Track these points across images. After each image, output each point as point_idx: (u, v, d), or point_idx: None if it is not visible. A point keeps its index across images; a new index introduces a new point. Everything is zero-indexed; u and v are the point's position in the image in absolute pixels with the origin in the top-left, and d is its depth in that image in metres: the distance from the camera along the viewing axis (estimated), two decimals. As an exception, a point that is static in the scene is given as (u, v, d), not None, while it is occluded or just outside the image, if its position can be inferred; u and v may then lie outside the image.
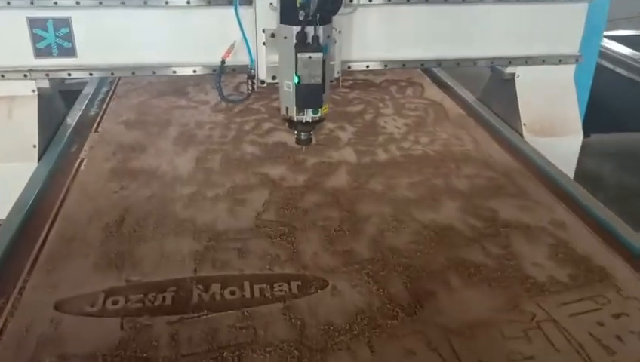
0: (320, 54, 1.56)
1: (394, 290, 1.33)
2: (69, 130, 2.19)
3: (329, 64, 1.61)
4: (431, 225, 1.58)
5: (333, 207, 1.67)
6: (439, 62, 2.04)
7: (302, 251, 1.47)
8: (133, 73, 1.98)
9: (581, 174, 2.30)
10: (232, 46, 1.92)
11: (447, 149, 2.07)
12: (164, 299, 1.30)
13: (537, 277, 1.37)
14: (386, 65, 2.04)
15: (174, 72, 2.02)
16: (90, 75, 2.02)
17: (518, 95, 2.16)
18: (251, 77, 1.86)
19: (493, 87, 2.41)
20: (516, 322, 1.23)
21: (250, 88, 1.88)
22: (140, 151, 2.02)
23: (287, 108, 1.68)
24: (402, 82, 2.77)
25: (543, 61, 2.10)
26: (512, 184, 1.82)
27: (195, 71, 2.04)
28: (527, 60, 2.10)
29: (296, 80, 1.58)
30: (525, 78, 2.17)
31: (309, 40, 1.56)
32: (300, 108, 1.65)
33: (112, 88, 2.66)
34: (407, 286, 1.35)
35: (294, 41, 1.57)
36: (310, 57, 1.55)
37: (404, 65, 2.03)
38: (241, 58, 1.94)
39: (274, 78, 1.79)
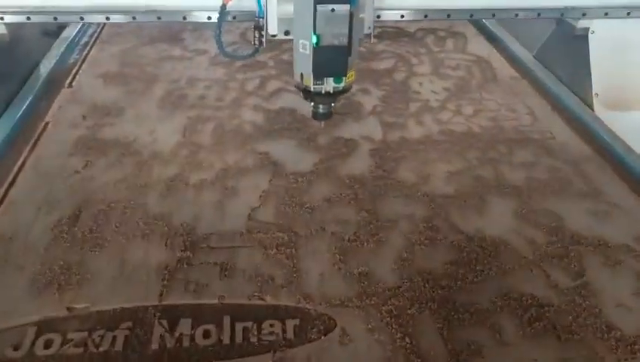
0: (346, 6, 1.14)
1: (425, 341, 0.97)
2: (39, 84, 1.81)
3: (358, 18, 1.18)
4: (476, 238, 1.20)
5: (348, 205, 1.30)
6: (493, 13, 1.57)
7: (304, 271, 1.11)
8: (107, 19, 1.57)
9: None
10: None
11: (496, 125, 1.65)
12: (113, 340, 0.96)
13: (624, 329, 1.00)
14: (426, 16, 1.59)
15: (159, 17, 1.61)
16: (55, 19, 1.61)
17: (591, 57, 1.69)
18: (259, 28, 1.43)
19: (555, 44, 1.94)
20: (599, 406, 0.87)
21: (257, 42, 1.45)
22: (115, 115, 1.64)
23: (301, 75, 1.27)
24: (441, 31, 2.31)
25: (628, 13, 1.62)
26: (581, 178, 1.41)
27: (184, 17, 1.62)
28: (608, 12, 1.61)
29: (314, 40, 1.17)
30: (602, 35, 1.69)
31: None
32: (319, 77, 1.24)
33: (98, 30, 2.26)
34: (444, 334, 0.98)
35: None
36: (333, 10, 1.14)
37: (448, 15, 1.58)
38: (246, 3, 1.51)
39: (287, 33, 1.37)
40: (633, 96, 1.70)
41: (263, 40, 1.37)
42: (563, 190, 1.36)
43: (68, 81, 1.85)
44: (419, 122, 1.65)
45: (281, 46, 2.10)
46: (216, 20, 1.45)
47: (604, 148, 1.52)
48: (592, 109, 1.69)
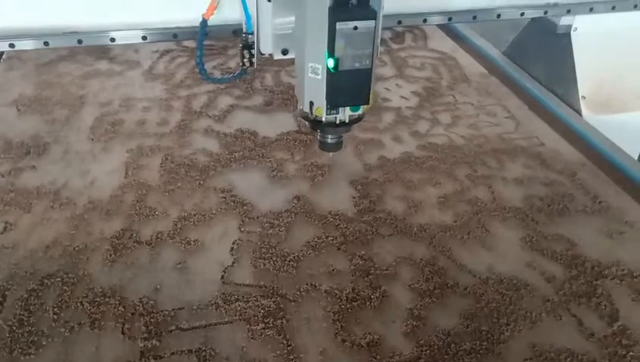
0: (371, 23, 0.91)
1: None
2: None
3: (378, 32, 0.96)
4: (491, 280, 1.04)
5: (337, 251, 1.11)
6: (474, 15, 1.39)
7: (301, 349, 0.91)
8: (11, 46, 1.23)
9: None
10: None
11: (479, 133, 1.50)
12: None
13: (678, 383, 0.87)
14: (399, 22, 1.40)
15: (80, 41, 1.27)
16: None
17: (575, 57, 1.56)
18: (247, 46, 1.15)
19: (529, 42, 1.78)
20: None
21: (247, 63, 1.16)
22: (37, 155, 1.36)
23: (311, 104, 1.03)
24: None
25: (613, 7, 1.50)
26: (583, 191, 1.29)
27: (112, 39, 1.29)
28: (593, 7, 1.48)
29: (331, 64, 0.94)
30: (586, 32, 1.57)
31: None
32: (336, 106, 1.02)
33: (3, 43, 1.91)
34: (484, 418, 0.82)
35: (329, 0, 0.91)
36: (356, 28, 0.91)
37: (425, 20, 1.38)
38: (228, 15, 1.24)
39: (285, 52, 1.12)
40: (623, 97, 1.58)
41: (254, 60, 1.12)
42: (568, 208, 1.23)
43: (-29, 112, 1.53)
44: (395, 137, 1.47)
45: (227, 52, 1.86)
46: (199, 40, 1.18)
47: (591, 149, 1.40)
48: (579, 113, 1.56)
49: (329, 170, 1.33)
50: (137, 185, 1.26)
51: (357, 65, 0.94)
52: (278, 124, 1.49)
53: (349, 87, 0.97)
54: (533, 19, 1.65)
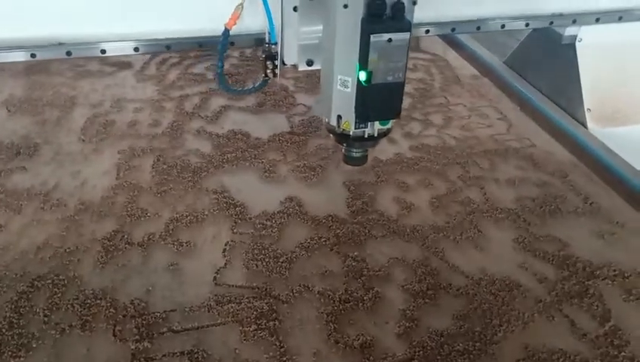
0: (406, 35, 0.88)
1: None
2: None
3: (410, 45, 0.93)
4: (484, 281, 1.05)
5: (330, 251, 1.10)
6: (478, 26, 1.37)
7: (294, 351, 0.91)
8: (33, 56, 1.21)
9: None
10: (240, 7, 1.12)
11: (471, 134, 1.50)
12: None
13: (669, 382, 0.88)
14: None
15: (69, 53, 1.23)
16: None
17: (580, 68, 1.55)
18: (271, 57, 1.13)
19: (531, 52, 1.74)
20: None
21: (270, 74, 1.14)
22: (28, 156, 1.35)
23: (339, 117, 1.00)
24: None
25: (620, 18, 1.48)
26: (574, 192, 1.29)
27: (103, 51, 1.19)
28: (599, 17, 1.45)
29: (363, 77, 0.91)
30: (591, 43, 1.54)
31: (387, 9, 0.87)
32: (366, 120, 0.99)
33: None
34: (477, 418, 0.82)
35: (361, 10, 0.88)
36: (390, 41, 0.88)
37: (427, 31, 1.36)
38: (248, 24, 1.17)
39: (310, 63, 1.10)
40: (630, 109, 1.54)
41: (277, 71, 1.10)
42: (559, 209, 1.23)
43: (-40, 113, 1.51)
44: (388, 138, 1.46)
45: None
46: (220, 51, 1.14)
47: (583, 150, 1.41)
48: (585, 126, 1.53)
49: (322, 171, 1.33)
50: (129, 186, 1.25)
51: (390, 78, 0.91)
52: (270, 125, 1.49)
53: (381, 100, 0.94)
54: (536, 30, 1.62)
